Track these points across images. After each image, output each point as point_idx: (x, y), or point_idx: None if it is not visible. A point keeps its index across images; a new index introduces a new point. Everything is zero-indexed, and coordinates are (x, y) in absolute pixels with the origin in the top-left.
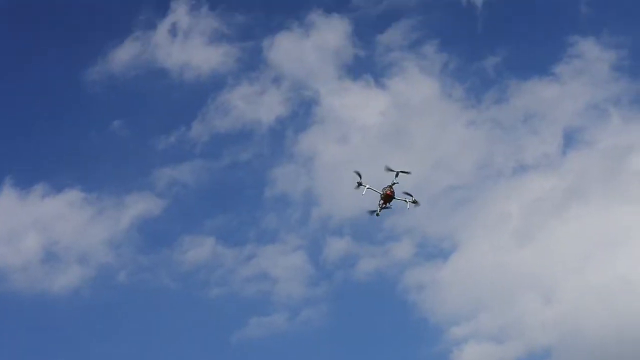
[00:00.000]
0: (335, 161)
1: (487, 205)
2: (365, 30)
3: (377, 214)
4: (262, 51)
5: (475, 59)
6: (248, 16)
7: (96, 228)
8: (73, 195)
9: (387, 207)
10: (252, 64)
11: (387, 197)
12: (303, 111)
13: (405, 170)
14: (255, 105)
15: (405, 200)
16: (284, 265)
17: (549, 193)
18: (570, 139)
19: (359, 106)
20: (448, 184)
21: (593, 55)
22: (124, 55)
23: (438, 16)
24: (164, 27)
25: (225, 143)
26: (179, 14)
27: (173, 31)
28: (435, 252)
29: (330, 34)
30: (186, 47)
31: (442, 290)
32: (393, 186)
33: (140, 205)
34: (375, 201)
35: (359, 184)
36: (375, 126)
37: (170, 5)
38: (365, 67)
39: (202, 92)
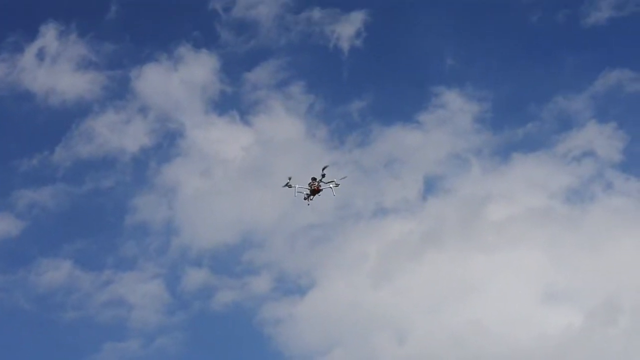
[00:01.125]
0: (197, 193)
1: (346, 245)
2: (233, 67)
3: (308, 204)
4: (130, 81)
5: (341, 102)
6: (117, 45)
7: None
8: None
9: (317, 195)
10: (118, 93)
11: (315, 191)
12: (167, 142)
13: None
14: (119, 134)
15: (331, 187)
16: (141, 292)
17: (407, 236)
18: (431, 186)
19: (223, 141)
20: (307, 222)
21: (456, 106)
22: None
23: (305, 58)
24: (31, 50)
25: (87, 169)
26: (48, 39)
27: (40, 55)
28: (293, 287)
29: (198, 68)
30: (53, 72)
31: (298, 326)
32: (318, 181)
33: None
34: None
35: (289, 186)
36: (238, 161)
37: (40, 29)
38: (231, 103)
39: (67, 117)
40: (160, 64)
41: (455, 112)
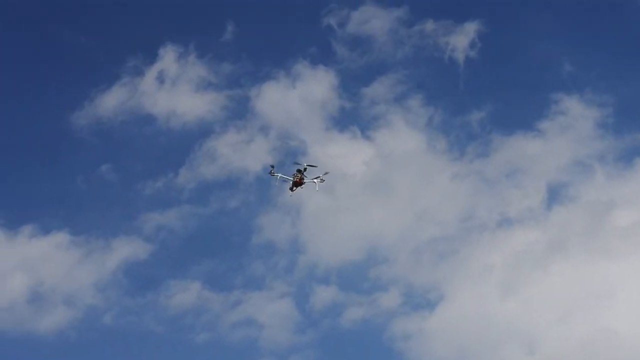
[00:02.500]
0: (321, 210)
1: (471, 257)
2: (351, 83)
3: (290, 195)
4: (249, 100)
5: (460, 113)
6: (235, 65)
7: (83, 270)
8: (60, 237)
9: (300, 187)
10: (239, 113)
11: (297, 184)
12: (290, 160)
13: (312, 164)
14: (242, 153)
15: (314, 182)
16: (270, 311)
17: (532, 246)
18: (554, 194)
19: (344, 156)
20: (432, 235)
21: (577, 112)
22: (111, 100)
23: (421, 71)
24: (151, 74)
25: (212, 190)
26: (167, 62)
27: (160, 78)
28: (421, 302)
29: (316, 85)
30: (173, 94)
31: (428, 340)
32: (302, 174)
33: (127, 249)
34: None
35: (272, 174)
36: (359, 176)
37: (159, 52)
38: (351, 118)
39: (189, 139)
40: (279, 82)
41: (576, 118)
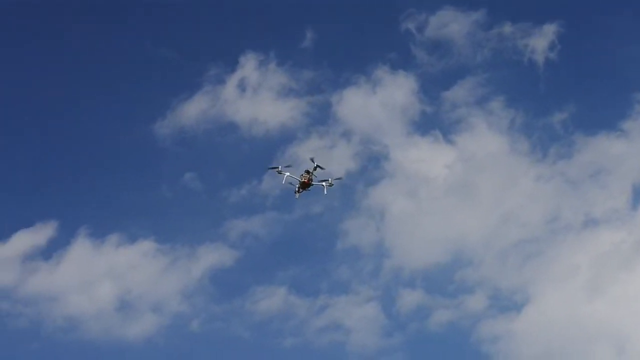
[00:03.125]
0: (404, 214)
1: (557, 258)
2: (431, 87)
3: (297, 197)
4: (331, 106)
5: (542, 115)
6: (316, 72)
7: (169, 278)
8: (147, 245)
9: (307, 190)
10: (320, 119)
11: (304, 184)
12: (372, 165)
13: (321, 166)
14: (324, 159)
15: (323, 185)
16: (357, 315)
17: (618, 246)
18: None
19: (425, 160)
20: (517, 237)
21: None
22: (193, 109)
23: (501, 73)
24: (232, 82)
25: None
26: (248, 70)
27: (242, 86)
28: (508, 304)
29: (397, 90)
30: (255, 101)
31: (516, 342)
32: (311, 175)
33: (212, 256)
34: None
35: (278, 172)
36: (442, 180)
37: (239, 60)
38: (432, 122)
39: (272, 146)
40: (359, 87)
41: None
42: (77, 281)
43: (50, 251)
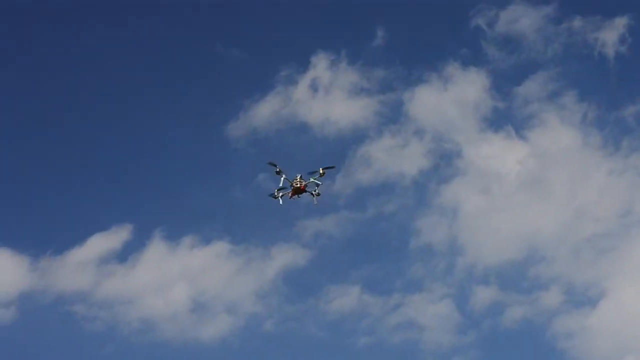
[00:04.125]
0: (477, 211)
1: (632, 253)
2: (503, 83)
3: (281, 203)
4: (403, 104)
5: (614, 108)
6: (387, 70)
7: (243, 278)
8: (221, 246)
9: (297, 198)
10: (392, 117)
11: (297, 190)
12: (445, 163)
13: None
14: (397, 158)
15: (312, 194)
16: (431, 313)
17: None
18: None
19: (497, 156)
20: (591, 231)
21: None
22: (266, 110)
23: (572, 67)
24: (304, 82)
25: (368, 195)
26: (319, 70)
27: (313, 86)
28: (583, 299)
29: (469, 86)
30: (326, 101)
31: (591, 338)
32: (303, 180)
33: (286, 256)
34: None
35: (277, 172)
36: (514, 175)
37: (311, 60)
38: (505, 118)
39: (344, 145)
40: (431, 84)
41: None
42: (152, 283)
43: (125, 254)
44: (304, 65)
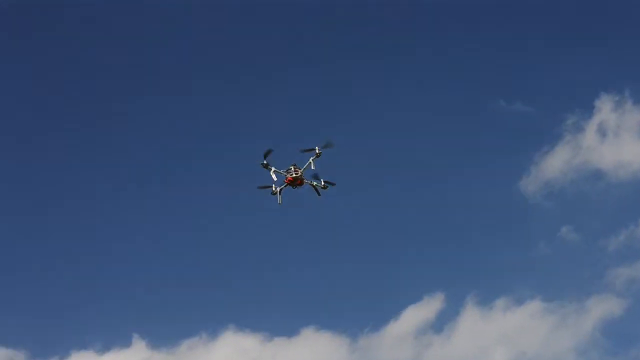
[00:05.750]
0: None
1: None
2: None
3: (279, 202)
4: None
5: None
6: None
7: (561, 335)
8: (534, 306)
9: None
10: None
11: (294, 181)
12: None
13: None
14: None
15: (315, 186)
16: None
17: None
18: None
19: None
20: None
21: None
22: (557, 161)
23: None
24: (591, 127)
25: None
26: (605, 113)
27: (601, 131)
28: None
29: None
30: (616, 144)
31: None
32: (298, 169)
33: (601, 308)
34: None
35: (266, 166)
36: None
37: (595, 104)
38: None
39: None
40: None
41: None
42: (471, 350)
43: (440, 323)
44: (589, 110)
